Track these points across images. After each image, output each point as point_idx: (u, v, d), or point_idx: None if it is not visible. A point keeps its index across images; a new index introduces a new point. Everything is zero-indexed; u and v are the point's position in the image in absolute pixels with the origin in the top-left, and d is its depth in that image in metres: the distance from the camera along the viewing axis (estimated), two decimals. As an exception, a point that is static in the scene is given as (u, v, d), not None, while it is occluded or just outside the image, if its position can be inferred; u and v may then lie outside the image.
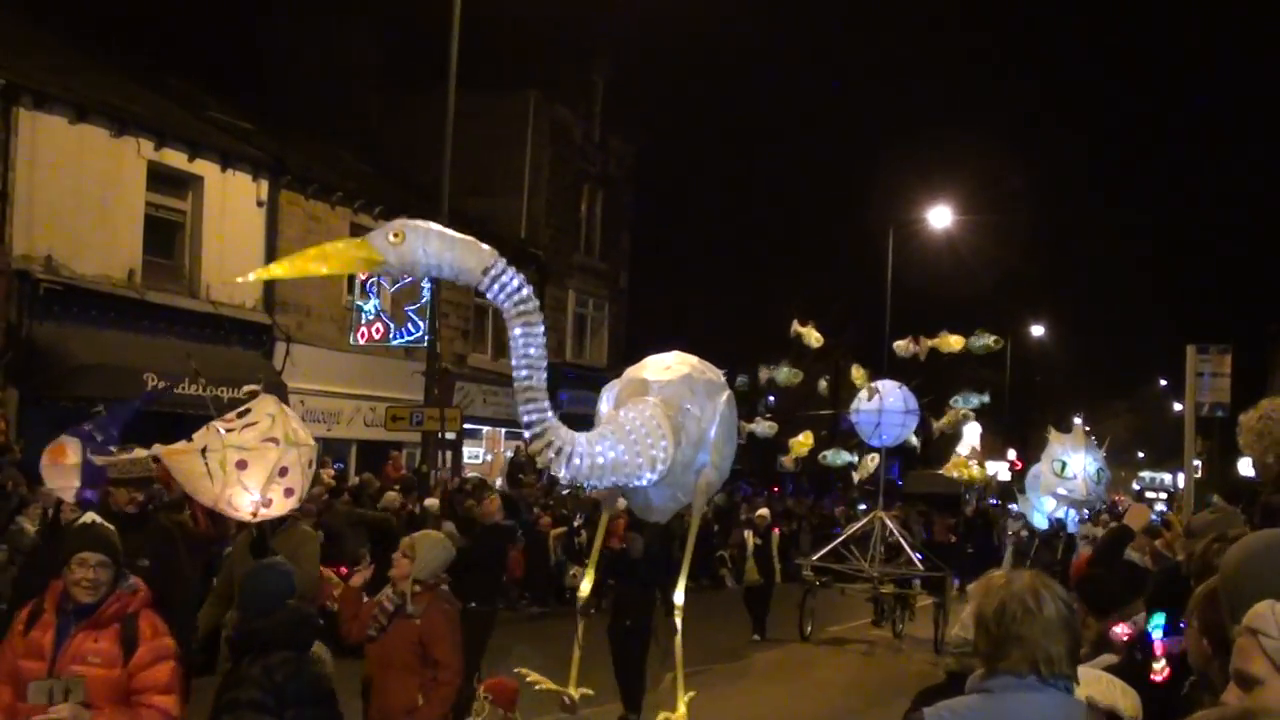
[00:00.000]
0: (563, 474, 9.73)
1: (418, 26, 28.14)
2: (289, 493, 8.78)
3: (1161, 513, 18.93)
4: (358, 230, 26.88)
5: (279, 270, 9.09)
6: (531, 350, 8.49)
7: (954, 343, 20.51)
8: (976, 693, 3.40)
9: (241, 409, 8.81)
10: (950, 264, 48.27)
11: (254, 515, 8.72)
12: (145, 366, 20.10)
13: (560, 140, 36.37)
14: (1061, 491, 18.68)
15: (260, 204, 24.43)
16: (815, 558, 21.57)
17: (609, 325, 38.81)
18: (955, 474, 21.90)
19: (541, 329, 8.42)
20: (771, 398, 21.05)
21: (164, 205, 22.73)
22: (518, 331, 8.43)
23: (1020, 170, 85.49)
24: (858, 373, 21.18)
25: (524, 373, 8.50)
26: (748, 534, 22.33)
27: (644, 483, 10.06)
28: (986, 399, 21.93)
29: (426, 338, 23.87)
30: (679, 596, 11.34)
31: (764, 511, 23.51)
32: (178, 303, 22.40)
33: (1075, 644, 3.42)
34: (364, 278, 26.63)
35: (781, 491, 40.76)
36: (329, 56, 31.34)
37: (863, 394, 20.51)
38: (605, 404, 10.83)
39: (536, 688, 11.21)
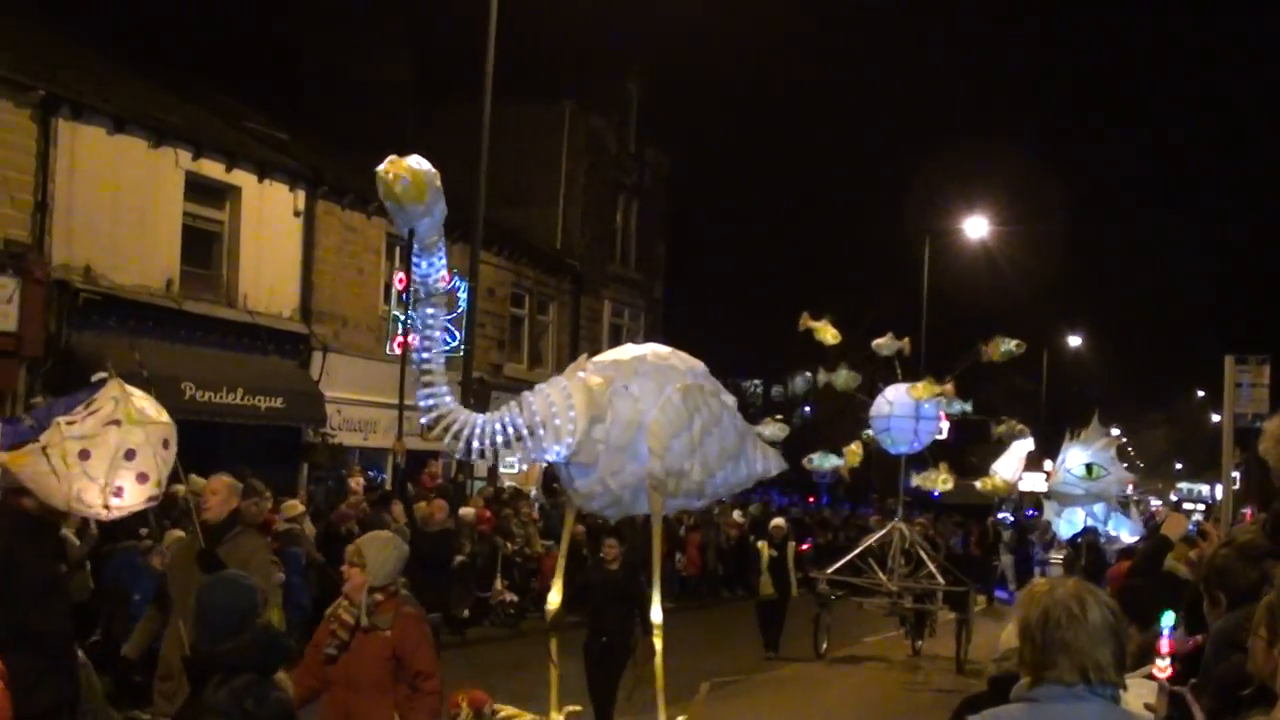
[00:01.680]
0: (460, 456, 9.67)
1: (453, 38, 28.23)
2: (142, 478, 7.87)
3: (1198, 523, 18.65)
4: (394, 241, 27.05)
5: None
6: (437, 333, 8.50)
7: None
8: (1022, 701, 3.37)
9: (87, 399, 7.92)
10: (987, 274, 48.10)
11: (106, 508, 7.85)
12: (183, 376, 20.21)
13: (595, 150, 36.42)
14: (1087, 490, 18.49)
15: (297, 214, 24.54)
16: (831, 570, 20.56)
17: (644, 335, 38.79)
18: (979, 485, 21.06)
19: (447, 314, 8.50)
20: (807, 408, 19.96)
21: (201, 215, 22.85)
22: (430, 311, 8.41)
23: (1057, 180, 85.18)
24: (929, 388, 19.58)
25: (427, 355, 8.45)
26: (762, 545, 21.22)
27: (554, 458, 9.84)
28: (969, 407, 20.98)
29: (462, 348, 23.90)
30: (656, 614, 10.90)
31: (779, 521, 22.45)
32: (215, 312, 22.51)
33: (1121, 650, 3.39)
34: (401, 286, 26.75)
35: (817, 501, 40.67)
36: (365, 68, 31.48)
37: (880, 397, 19.71)
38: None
39: None
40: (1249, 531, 5.93)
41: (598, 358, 10.93)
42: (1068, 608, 3.33)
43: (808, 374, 47.68)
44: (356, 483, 20.61)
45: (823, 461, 20.28)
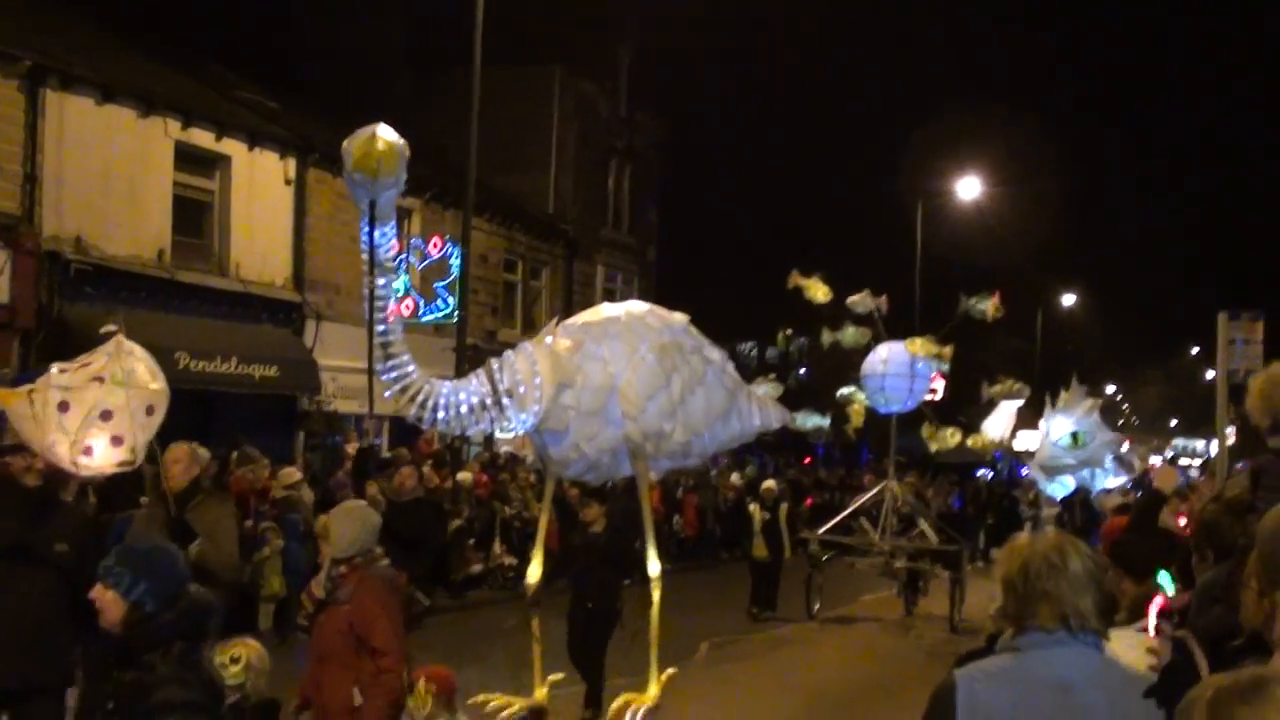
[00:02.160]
0: (427, 426, 9.57)
1: (443, 4, 28.16)
2: (116, 441, 7.58)
3: (1189, 479, 18.71)
4: (385, 207, 26.98)
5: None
6: (391, 303, 8.45)
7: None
8: (1006, 651, 3.41)
9: (88, 354, 7.77)
10: (980, 234, 48.08)
11: (74, 465, 7.54)
12: (177, 345, 20.20)
13: (586, 115, 36.33)
14: (1077, 459, 18.43)
15: (288, 183, 24.50)
16: (822, 531, 20.17)
17: (638, 298, 38.83)
18: (969, 442, 20.68)
19: (399, 283, 8.43)
20: (803, 370, 19.27)
21: (192, 185, 22.81)
22: (382, 281, 8.32)
23: (1050, 139, 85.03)
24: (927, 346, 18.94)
25: (383, 327, 8.36)
26: (754, 507, 20.84)
27: (521, 427, 9.51)
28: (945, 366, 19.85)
29: (456, 314, 23.91)
30: (654, 567, 10.71)
31: (770, 483, 21.99)
32: (207, 282, 22.50)
33: (1103, 599, 3.43)
34: (394, 253, 26.65)
35: (813, 462, 40.77)
36: (355, 35, 31.40)
37: (872, 355, 18.92)
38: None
39: (503, 715, 10.98)
40: (1238, 486, 5.97)
41: (569, 320, 10.79)
42: (1048, 558, 3.37)
43: (798, 336, 47.78)
44: (353, 449, 20.66)
45: (805, 421, 19.54)
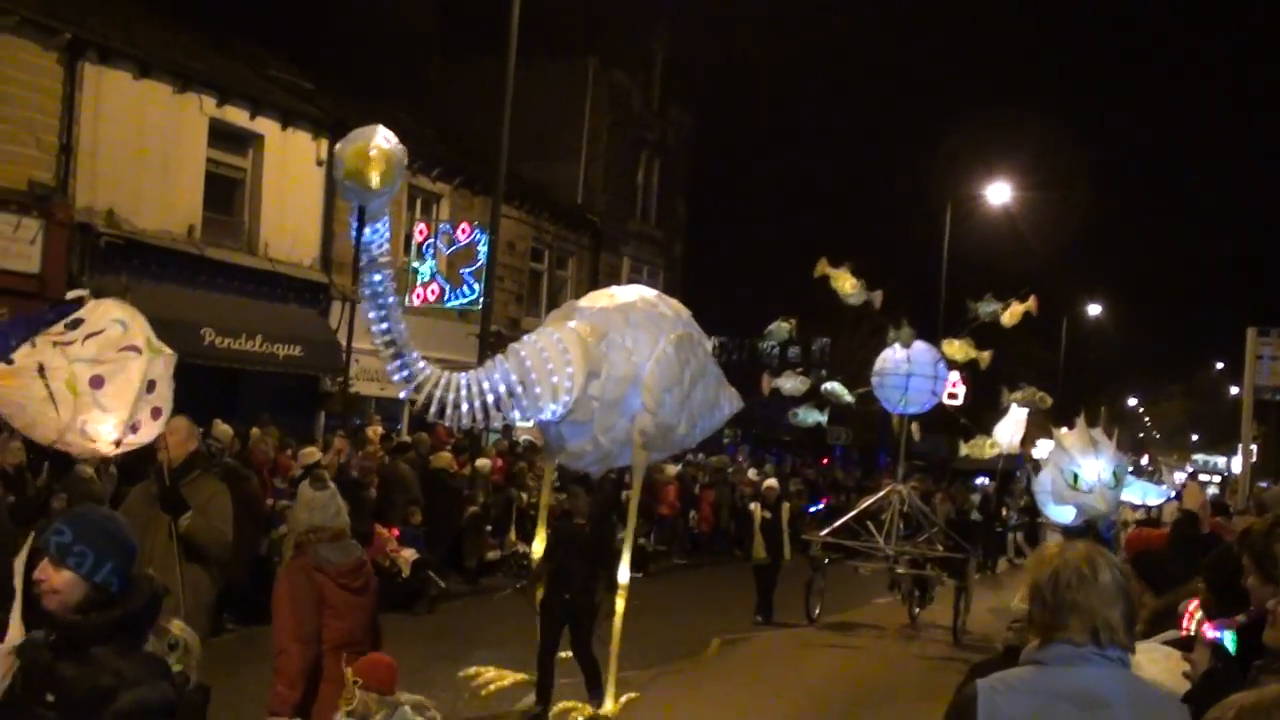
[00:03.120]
0: (450, 424, 9.34)
1: (479, -10, 28.17)
2: (156, 413, 7.22)
3: (1214, 495, 18.58)
4: (415, 192, 27.05)
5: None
6: (391, 298, 8.22)
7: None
8: (1031, 664, 3.38)
9: (71, 318, 7.03)
10: (1008, 240, 47.96)
11: (117, 445, 7.11)
12: (203, 322, 20.32)
13: (619, 107, 36.30)
14: (1080, 502, 18.28)
15: (320, 163, 24.54)
16: (825, 533, 19.19)
17: (663, 292, 38.82)
18: (963, 449, 20.30)
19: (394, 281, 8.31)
20: (824, 370, 18.77)
21: (224, 162, 22.91)
22: (377, 278, 8.15)
23: (1081, 149, 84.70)
24: (966, 349, 18.53)
25: (384, 325, 8.21)
26: (754, 506, 19.95)
27: (550, 416, 9.44)
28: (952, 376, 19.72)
29: (481, 300, 23.94)
30: (624, 574, 10.63)
31: (772, 482, 21.00)
32: (236, 259, 22.59)
33: (1132, 612, 3.39)
34: (421, 237, 26.78)
35: (830, 463, 40.71)
36: (390, 19, 31.46)
37: (888, 352, 18.26)
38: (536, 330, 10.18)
39: (491, 687, 10.85)
40: None
41: (583, 303, 10.60)
42: (1078, 569, 3.33)
43: (820, 337, 47.64)
44: (375, 432, 20.71)
45: (806, 416, 19.22)
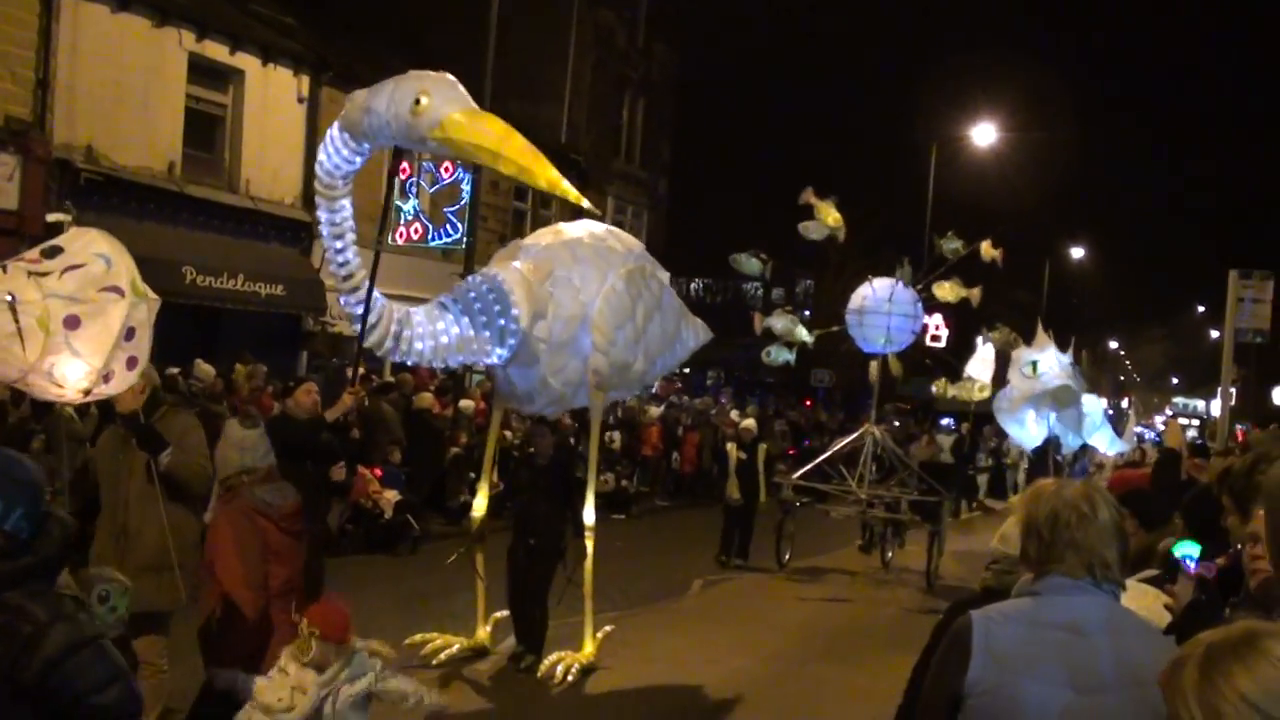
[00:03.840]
0: (410, 362, 9.27)
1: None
2: (132, 363, 6.63)
3: (1194, 438, 18.68)
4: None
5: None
6: (351, 230, 8.24)
7: (832, 219, 17.53)
8: (1025, 595, 3.43)
9: (49, 244, 6.49)
10: (994, 181, 47.91)
11: (86, 394, 6.56)
12: (184, 260, 20.18)
13: (603, 45, 36.04)
14: (1038, 389, 18.36)
15: (301, 100, 24.34)
16: (797, 475, 18.69)
17: (647, 233, 38.72)
18: (934, 389, 20.17)
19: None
20: (807, 312, 18.28)
21: (205, 98, 22.68)
22: (345, 201, 8.18)
23: (1066, 91, 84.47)
24: (956, 289, 18.11)
25: (350, 254, 8.20)
26: (730, 447, 19.41)
27: (494, 360, 9.35)
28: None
29: (465, 240, 23.83)
30: (589, 515, 10.71)
31: (749, 423, 20.23)
32: (217, 197, 22.41)
33: (1126, 550, 3.45)
34: (403, 176, 26.59)
35: (814, 405, 40.79)
36: (372, -48, 31.11)
37: (867, 291, 17.86)
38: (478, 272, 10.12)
39: (442, 654, 10.63)
40: (1269, 442, 5.91)
41: (528, 240, 10.44)
42: (1077, 508, 3.37)
43: (804, 279, 47.64)
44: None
45: (777, 355, 18.80)
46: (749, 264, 17.61)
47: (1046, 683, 3.23)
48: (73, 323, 6.17)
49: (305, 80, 24.38)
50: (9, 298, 6.05)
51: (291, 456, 8.64)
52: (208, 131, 22.88)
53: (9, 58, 18.85)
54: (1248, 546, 4.09)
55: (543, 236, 10.32)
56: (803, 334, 18.49)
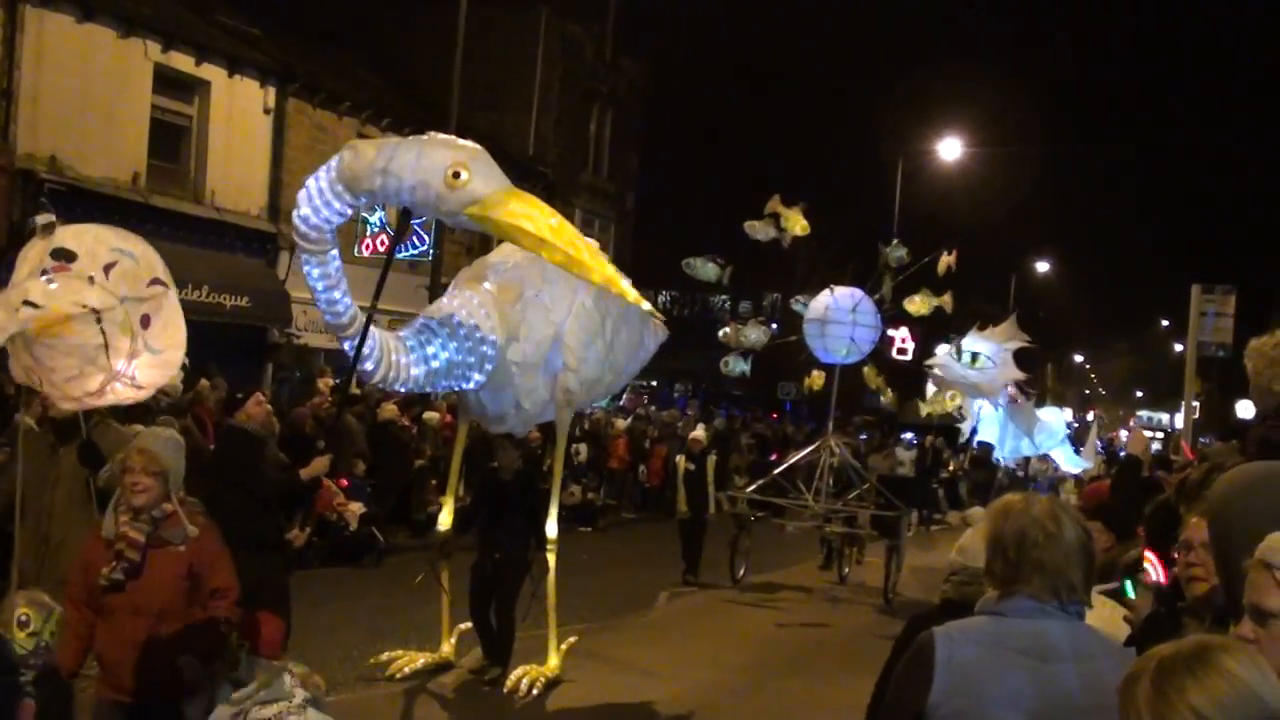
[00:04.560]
0: (400, 388, 9.01)
1: (430, -64, 27.81)
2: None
3: (1157, 450, 18.72)
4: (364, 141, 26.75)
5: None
6: (343, 278, 8.05)
7: (799, 226, 17.15)
8: (988, 615, 3.39)
9: (55, 248, 6.14)
10: (960, 195, 48.13)
11: (155, 390, 6.41)
12: (148, 271, 20.06)
13: (571, 58, 36.05)
14: (974, 380, 18.21)
15: (267, 111, 24.27)
16: (750, 489, 18.21)
17: (614, 246, 38.71)
18: (883, 400, 19.30)
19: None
20: (774, 325, 17.92)
21: (170, 109, 22.58)
22: (335, 251, 7.93)
23: (1031, 107, 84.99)
24: (926, 301, 17.73)
25: (346, 301, 7.98)
26: (679, 459, 18.72)
27: (471, 385, 9.22)
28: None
29: (431, 252, 23.77)
30: (551, 528, 10.69)
31: (699, 433, 19.66)
32: (182, 208, 22.31)
33: (1091, 570, 3.42)
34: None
35: (780, 417, 40.85)
36: (339, -37, 31.04)
37: (828, 300, 17.37)
38: (446, 298, 9.96)
39: (407, 670, 10.53)
40: (1223, 454, 5.95)
41: (495, 258, 10.31)
42: (1044, 526, 3.33)
43: (772, 292, 47.75)
44: (325, 384, 20.53)
45: (735, 365, 17.88)
46: (705, 269, 17.17)
47: (1010, 708, 3.19)
48: (145, 321, 6.07)
49: (271, 91, 24.31)
50: (91, 308, 5.79)
51: (245, 472, 8.48)
52: (173, 142, 22.78)
53: (-28, 67, 18.74)
54: (1180, 554, 4.13)
55: (509, 254, 10.19)
56: (751, 337, 17.87)
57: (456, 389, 9.19)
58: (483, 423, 10.63)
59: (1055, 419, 21.25)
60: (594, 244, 7.77)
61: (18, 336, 5.63)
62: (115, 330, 5.83)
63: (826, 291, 17.62)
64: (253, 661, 5.71)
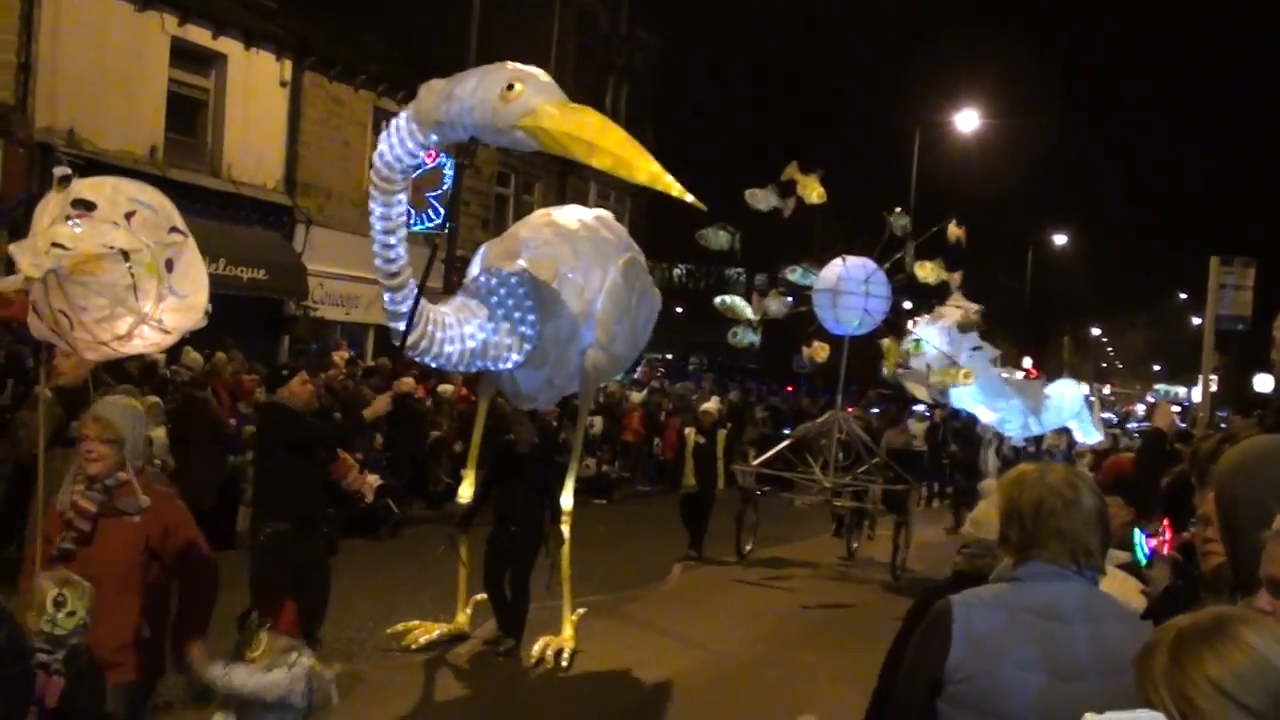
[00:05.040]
0: (432, 362, 8.96)
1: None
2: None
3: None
4: (381, 115, 26.74)
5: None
6: (404, 226, 8.10)
7: (815, 194, 16.76)
8: (1004, 580, 3.42)
9: (73, 198, 5.91)
10: (977, 167, 47.94)
11: (169, 334, 6.10)
12: (165, 244, 20.10)
13: (586, 30, 35.95)
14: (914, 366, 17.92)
15: (284, 84, 24.28)
16: (757, 462, 17.88)
17: (629, 219, 38.66)
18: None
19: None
20: (790, 298, 17.60)
21: (187, 82, 22.61)
22: (402, 196, 7.97)
23: (1049, 77, 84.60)
24: (937, 271, 17.23)
25: (401, 249, 8.03)
26: (689, 431, 18.28)
27: (508, 365, 9.19)
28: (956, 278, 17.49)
29: (447, 225, 23.78)
30: (567, 500, 10.76)
31: (709, 406, 19.28)
32: (199, 181, 22.33)
33: (1108, 537, 3.45)
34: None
35: (797, 390, 40.81)
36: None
37: (841, 270, 17.02)
38: (475, 266, 9.99)
39: (422, 640, 10.59)
40: (1243, 429, 5.95)
41: (525, 233, 10.25)
42: (1062, 494, 3.36)
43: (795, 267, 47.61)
44: (341, 356, 20.61)
45: (743, 337, 17.37)
46: (717, 237, 16.83)
47: (1025, 669, 3.23)
48: (169, 265, 5.87)
49: (288, 64, 24.33)
50: (119, 249, 5.63)
51: (292, 450, 8.55)
52: (190, 115, 22.81)
53: (-10, 41, 18.78)
54: (1198, 529, 4.14)
55: (539, 229, 10.14)
56: (745, 310, 17.44)
57: (492, 369, 9.11)
58: (511, 400, 10.60)
59: (1071, 392, 20.86)
60: (639, 145, 7.68)
61: (50, 275, 5.51)
62: (143, 271, 5.68)
63: (838, 261, 17.25)
64: (275, 644, 5.59)
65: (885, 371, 18.13)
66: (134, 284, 5.64)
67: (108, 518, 5.59)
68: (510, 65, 7.92)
